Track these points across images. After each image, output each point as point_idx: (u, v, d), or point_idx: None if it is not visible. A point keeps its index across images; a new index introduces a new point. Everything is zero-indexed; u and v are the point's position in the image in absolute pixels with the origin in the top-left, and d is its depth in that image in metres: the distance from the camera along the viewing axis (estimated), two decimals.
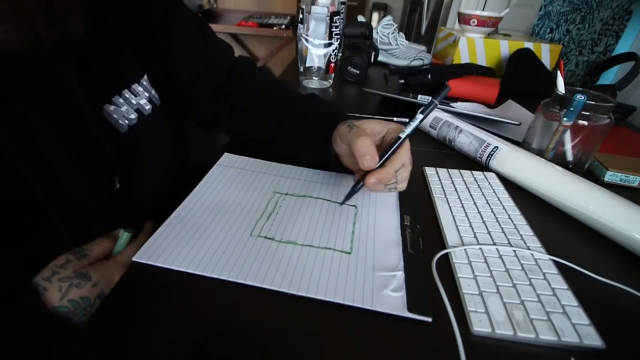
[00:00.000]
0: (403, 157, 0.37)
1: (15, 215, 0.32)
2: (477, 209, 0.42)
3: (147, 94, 0.43)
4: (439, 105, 0.62)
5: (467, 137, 0.54)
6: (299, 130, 0.46)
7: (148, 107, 0.43)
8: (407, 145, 0.38)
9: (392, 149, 0.37)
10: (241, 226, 0.37)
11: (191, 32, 0.49)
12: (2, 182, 0.31)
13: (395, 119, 0.67)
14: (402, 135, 0.37)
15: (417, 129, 0.38)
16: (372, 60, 0.95)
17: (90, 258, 0.35)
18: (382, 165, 0.37)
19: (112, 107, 0.38)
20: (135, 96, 0.41)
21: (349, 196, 0.39)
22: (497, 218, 0.41)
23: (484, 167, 0.52)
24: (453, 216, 0.41)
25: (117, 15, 0.40)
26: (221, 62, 0.52)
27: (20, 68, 0.31)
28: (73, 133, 0.35)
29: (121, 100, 0.39)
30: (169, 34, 0.46)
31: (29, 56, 0.28)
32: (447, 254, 0.35)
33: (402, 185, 0.39)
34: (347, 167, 0.44)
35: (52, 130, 0.33)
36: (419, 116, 0.37)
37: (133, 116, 0.41)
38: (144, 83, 0.43)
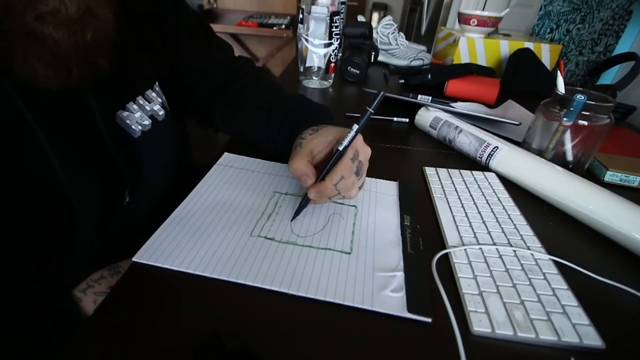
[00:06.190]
0: (341, 170, 0.36)
1: (25, 223, 0.30)
2: (477, 209, 0.42)
3: (160, 100, 0.43)
4: (438, 106, 0.63)
5: (467, 137, 0.54)
6: (279, 130, 0.47)
7: (162, 112, 0.43)
8: (347, 157, 0.36)
9: (330, 162, 0.36)
10: (241, 226, 0.37)
11: (195, 35, 0.49)
12: (14, 188, 0.29)
13: (395, 119, 0.68)
14: (340, 148, 0.36)
15: (352, 140, 0.36)
16: (372, 60, 0.95)
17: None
18: (323, 178, 0.36)
19: (125, 113, 0.38)
20: (149, 102, 0.41)
21: (297, 212, 0.39)
22: (497, 218, 0.41)
23: (484, 167, 0.52)
24: (453, 216, 0.41)
25: (132, 24, 0.40)
26: (222, 63, 0.52)
27: None
28: (84, 141, 0.34)
29: (135, 107, 0.39)
30: (178, 37, 0.46)
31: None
32: (447, 254, 0.35)
33: (351, 194, 0.37)
34: None
35: (60, 137, 0.32)
36: (355, 127, 0.36)
37: (147, 122, 0.41)
38: (157, 89, 0.43)
